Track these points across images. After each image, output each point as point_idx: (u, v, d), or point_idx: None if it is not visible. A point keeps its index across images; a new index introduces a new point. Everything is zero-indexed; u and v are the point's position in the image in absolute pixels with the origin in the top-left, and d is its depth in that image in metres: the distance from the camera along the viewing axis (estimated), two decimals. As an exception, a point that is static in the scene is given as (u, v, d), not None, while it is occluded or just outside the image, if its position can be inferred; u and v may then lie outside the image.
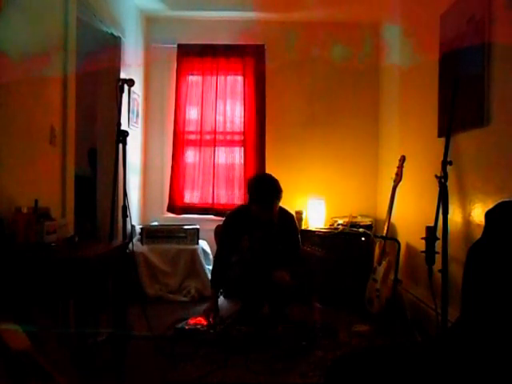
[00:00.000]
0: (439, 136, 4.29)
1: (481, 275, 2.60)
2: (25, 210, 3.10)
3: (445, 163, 3.47)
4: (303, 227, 5.96)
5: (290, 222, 4.66)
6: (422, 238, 3.75)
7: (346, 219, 5.83)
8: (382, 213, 5.52)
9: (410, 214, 5.08)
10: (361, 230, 5.58)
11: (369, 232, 5.54)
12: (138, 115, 6.21)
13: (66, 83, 4.13)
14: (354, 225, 5.71)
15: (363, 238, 5.43)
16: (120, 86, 5.08)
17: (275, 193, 4.39)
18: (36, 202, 3.20)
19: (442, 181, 3.42)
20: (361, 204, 6.41)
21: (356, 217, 5.99)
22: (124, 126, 4.83)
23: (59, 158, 4.03)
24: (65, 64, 4.12)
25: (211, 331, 4.10)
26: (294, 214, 4.88)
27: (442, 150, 3.51)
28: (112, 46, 5.42)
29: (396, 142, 5.77)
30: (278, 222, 4.54)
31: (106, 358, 3.43)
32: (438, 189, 3.46)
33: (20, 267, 2.78)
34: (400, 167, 4.89)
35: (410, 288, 4.89)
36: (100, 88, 5.47)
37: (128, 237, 4.56)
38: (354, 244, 5.45)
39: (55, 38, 4.01)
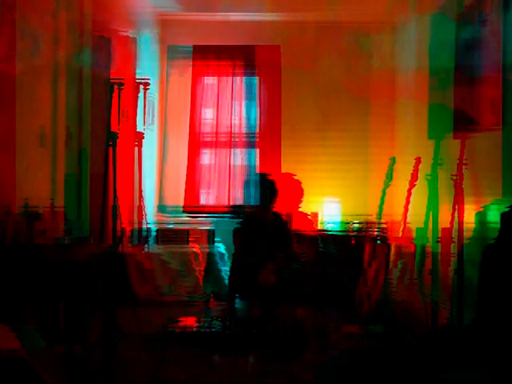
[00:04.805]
0: (455, 138, 4.25)
1: (496, 276, 2.61)
2: (15, 211, 3.10)
3: (435, 164, 3.48)
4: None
5: (283, 222, 4.71)
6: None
7: (361, 220, 5.83)
8: (395, 214, 5.43)
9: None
10: (353, 231, 5.59)
11: (363, 234, 5.54)
12: (153, 116, 6.21)
13: (59, 84, 4.14)
14: (368, 227, 5.70)
15: (354, 240, 5.45)
16: (111, 87, 5.10)
17: (272, 193, 4.48)
18: (26, 203, 3.20)
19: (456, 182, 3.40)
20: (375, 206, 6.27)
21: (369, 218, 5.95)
22: (140, 128, 4.85)
23: (51, 159, 4.03)
24: (57, 64, 4.13)
25: (202, 332, 4.12)
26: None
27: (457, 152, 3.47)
28: (128, 47, 5.42)
29: (411, 144, 5.71)
30: (273, 223, 4.58)
31: (98, 359, 3.42)
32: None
33: (10, 269, 2.77)
34: (415, 169, 4.88)
35: (401, 289, 4.89)
36: (95, 89, 5.42)
37: (118, 238, 4.57)
38: (345, 245, 5.47)
39: (47, 40, 4.02)
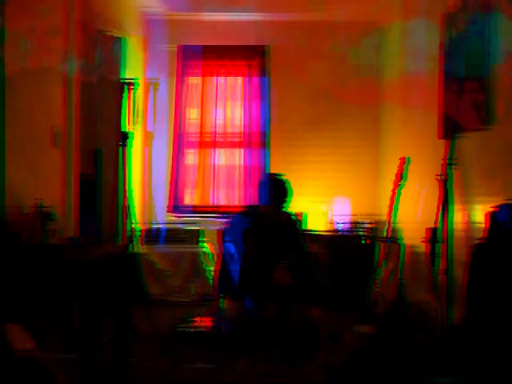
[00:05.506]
0: (441, 138, 4.29)
1: (485, 275, 2.63)
2: (29, 211, 3.12)
3: (445, 165, 3.48)
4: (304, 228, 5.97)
5: (293, 223, 4.72)
6: (423, 241, 3.76)
7: (348, 220, 5.86)
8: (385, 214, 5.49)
9: (415, 215, 5.06)
10: (362, 231, 5.60)
11: (371, 234, 5.55)
12: (140, 116, 6.20)
13: (69, 85, 4.15)
14: (357, 226, 5.72)
15: (364, 240, 5.46)
16: (121, 87, 5.10)
17: (281, 193, 4.47)
18: (40, 203, 3.21)
19: (445, 182, 3.43)
20: (364, 205, 6.35)
21: (359, 218, 5.99)
22: (126, 127, 4.85)
23: (63, 159, 4.04)
24: (67, 65, 4.14)
25: (215, 332, 4.13)
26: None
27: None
28: (114, 47, 5.42)
29: (398, 144, 5.75)
30: (283, 223, 4.58)
31: (110, 358, 3.43)
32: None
33: (25, 269, 2.79)
34: (400, 168, 4.88)
35: (414, 289, 4.89)
36: (102, 89, 5.45)
37: (129, 238, 4.58)
38: (355, 245, 5.47)
39: (57, 40, 4.03)
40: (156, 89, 6.69)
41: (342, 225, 5.85)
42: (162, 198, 6.67)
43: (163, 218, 6.57)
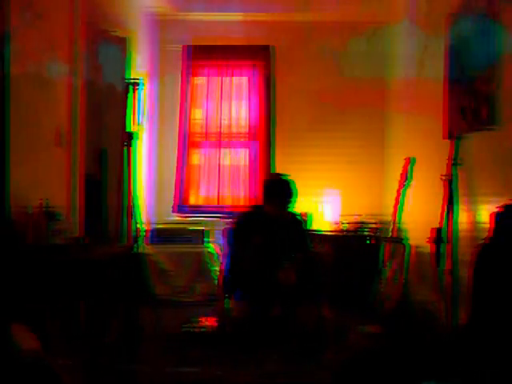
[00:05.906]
0: (446, 138, 4.27)
1: (490, 275, 2.62)
2: (35, 211, 3.12)
3: (449, 165, 3.48)
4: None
5: (298, 223, 4.73)
6: (428, 241, 3.75)
7: (353, 220, 5.85)
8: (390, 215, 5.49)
9: (419, 215, 5.05)
10: (367, 231, 5.60)
11: (376, 234, 5.54)
12: (146, 116, 6.21)
13: (74, 85, 4.16)
14: (362, 226, 5.72)
15: (369, 240, 5.45)
16: (127, 87, 5.11)
17: (286, 193, 4.46)
18: (46, 203, 3.22)
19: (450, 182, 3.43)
20: (369, 205, 6.34)
21: (364, 218, 5.98)
22: (131, 127, 4.86)
23: (68, 159, 4.04)
24: (72, 65, 4.15)
25: (221, 332, 4.12)
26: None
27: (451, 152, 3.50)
28: (120, 48, 5.43)
29: (403, 144, 5.74)
30: (288, 223, 4.57)
31: (117, 358, 3.43)
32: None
33: (31, 269, 2.79)
34: (405, 169, 4.87)
35: (419, 289, 4.88)
36: (108, 89, 5.45)
37: (134, 238, 4.58)
38: (360, 245, 5.47)
39: (62, 39, 4.04)
40: (161, 89, 6.71)
41: (346, 225, 5.84)
42: (166, 198, 6.67)
43: (168, 218, 6.57)
